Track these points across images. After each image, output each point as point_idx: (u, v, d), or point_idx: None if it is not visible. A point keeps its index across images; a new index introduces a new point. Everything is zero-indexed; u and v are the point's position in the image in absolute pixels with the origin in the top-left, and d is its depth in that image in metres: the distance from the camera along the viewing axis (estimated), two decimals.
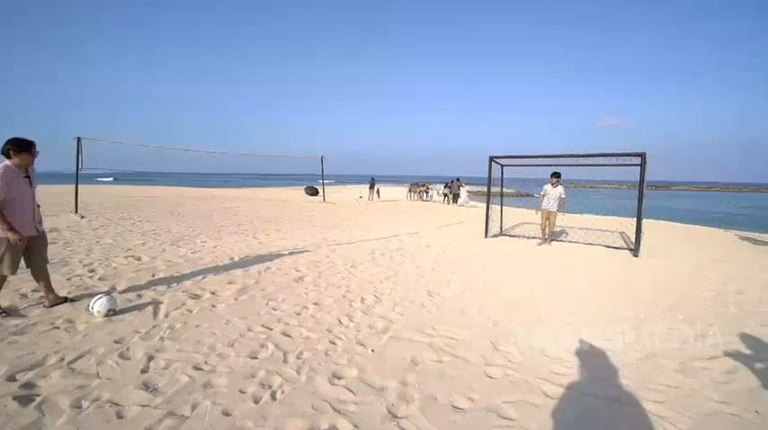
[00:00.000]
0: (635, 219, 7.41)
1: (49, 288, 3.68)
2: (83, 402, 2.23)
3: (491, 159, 8.53)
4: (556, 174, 8.12)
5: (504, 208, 9.81)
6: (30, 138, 3.42)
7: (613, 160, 7.39)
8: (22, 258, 3.47)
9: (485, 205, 9.38)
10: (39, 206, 3.76)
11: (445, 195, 23.32)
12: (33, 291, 4.00)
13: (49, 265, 5.02)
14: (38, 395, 2.28)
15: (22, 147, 3.30)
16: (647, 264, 6.59)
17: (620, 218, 13.81)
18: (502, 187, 9.50)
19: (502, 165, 9.06)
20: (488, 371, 2.86)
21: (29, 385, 2.38)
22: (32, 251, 3.52)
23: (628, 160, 7.17)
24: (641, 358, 3.11)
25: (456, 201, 20.79)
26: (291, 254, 6.45)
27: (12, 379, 2.43)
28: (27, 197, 3.39)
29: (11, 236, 3.21)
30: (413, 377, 2.72)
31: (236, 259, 5.93)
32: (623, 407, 2.44)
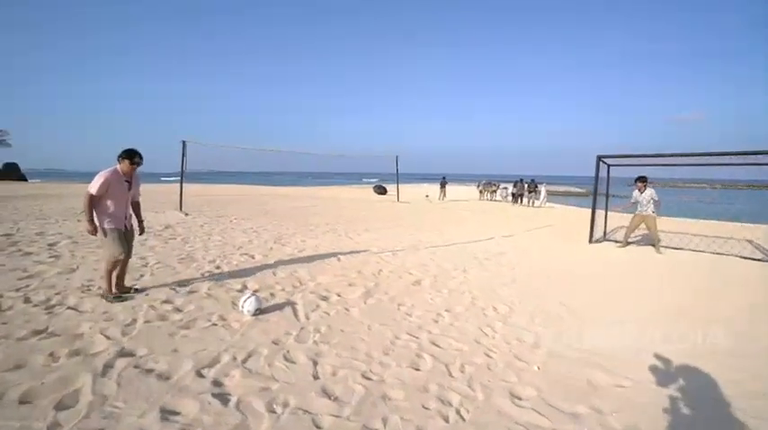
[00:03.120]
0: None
1: (122, 278, 3.99)
2: (275, 406, 2.23)
3: (599, 159, 7.83)
4: (641, 179, 7.61)
5: (599, 210, 8.92)
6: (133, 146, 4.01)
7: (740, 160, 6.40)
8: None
9: (564, 206, 8.67)
10: (137, 205, 4.13)
11: (513, 195, 22.27)
12: (180, 285, 4.27)
13: (180, 260, 5.45)
14: (230, 394, 2.32)
15: (126, 156, 3.77)
16: None
17: (723, 222, 12.17)
18: (608, 189, 8.71)
19: (609, 165, 8.29)
20: (689, 400, 2.47)
21: (217, 383, 2.44)
22: None
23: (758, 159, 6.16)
24: None
25: (518, 202, 19.85)
26: (395, 255, 6.37)
27: (200, 375, 2.52)
28: (122, 198, 3.81)
29: (88, 226, 3.65)
30: (600, 403, 2.42)
31: (342, 259, 5.96)
32: None
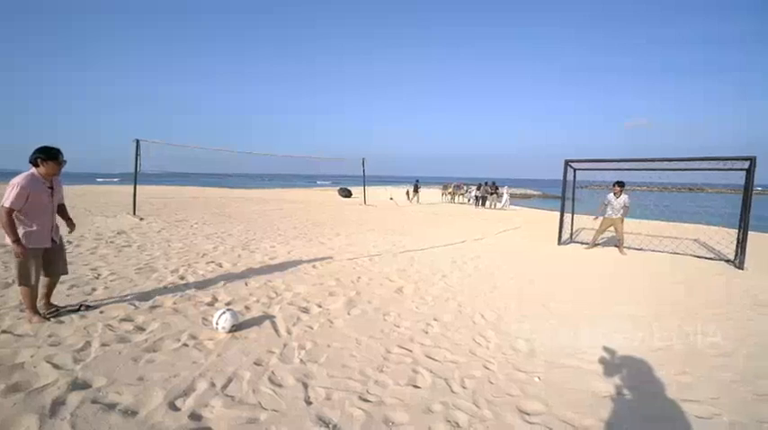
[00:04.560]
0: (716, 227, 6.82)
1: (49, 296, 3.44)
2: None
3: (566, 163, 8.06)
4: (619, 183, 7.85)
5: (566, 213, 9.17)
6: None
7: (713, 164, 6.84)
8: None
9: (524, 209, 8.91)
10: (63, 207, 3.50)
11: (477, 198, 22.77)
12: (140, 300, 3.82)
13: (138, 270, 4.94)
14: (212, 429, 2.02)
15: (50, 156, 3.15)
16: (761, 278, 5.97)
17: (672, 223, 13.02)
18: (573, 193, 8.99)
19: (575, 170, 8.57)
20: (690, 408, 2.45)
21: (196, 416, 2.12)
22: (49, 260, 3.32)
23: (729, 164, 6.61)
24: None
25: (484, 204, 20.36)
26: (371, 261, 6.16)
27: (173, 407, 2.19)
28: (47, 208, 3.22)
29: (15, 249, 3.02)
30: (608, 415, 2.35)
31: (318, 266, 5.67)
32: None
